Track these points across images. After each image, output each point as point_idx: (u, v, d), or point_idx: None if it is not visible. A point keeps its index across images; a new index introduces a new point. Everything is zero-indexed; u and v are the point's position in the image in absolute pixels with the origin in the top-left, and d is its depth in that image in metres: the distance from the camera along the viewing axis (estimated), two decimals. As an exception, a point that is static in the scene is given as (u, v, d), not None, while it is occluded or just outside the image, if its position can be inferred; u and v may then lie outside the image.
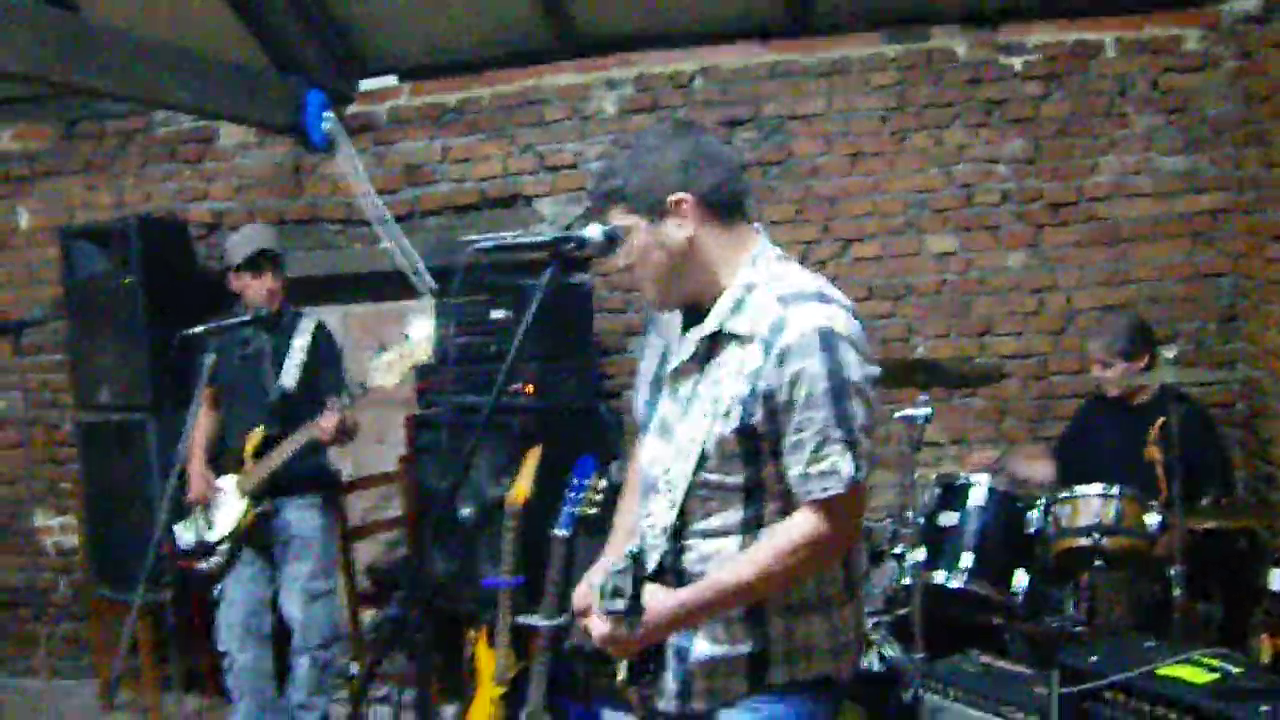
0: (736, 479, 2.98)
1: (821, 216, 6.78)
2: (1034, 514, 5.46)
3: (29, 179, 8.02)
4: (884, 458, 6.55)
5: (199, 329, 5.43)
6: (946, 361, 6.20)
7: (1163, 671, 4.03)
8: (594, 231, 2.99)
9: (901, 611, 5.44)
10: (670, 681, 3.13)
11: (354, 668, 6.93)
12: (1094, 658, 4.22)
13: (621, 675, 3.18)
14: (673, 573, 3.04)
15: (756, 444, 2.93)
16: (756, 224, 3.13)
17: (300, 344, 5.91)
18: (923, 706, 4.79)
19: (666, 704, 3.15)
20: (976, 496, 5.47)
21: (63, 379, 7.83)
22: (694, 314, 3.08)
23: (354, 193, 7.19)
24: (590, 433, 6.44)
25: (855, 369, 2.85)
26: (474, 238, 6.29)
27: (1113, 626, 5.24)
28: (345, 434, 5.70)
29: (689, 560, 3.04)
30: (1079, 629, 5.20)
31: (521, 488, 5.36)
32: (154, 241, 6.95)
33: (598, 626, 2.96)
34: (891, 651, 5.22)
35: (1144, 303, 6.37)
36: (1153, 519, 5.20)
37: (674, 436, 3.07)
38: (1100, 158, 6.48)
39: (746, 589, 2.92)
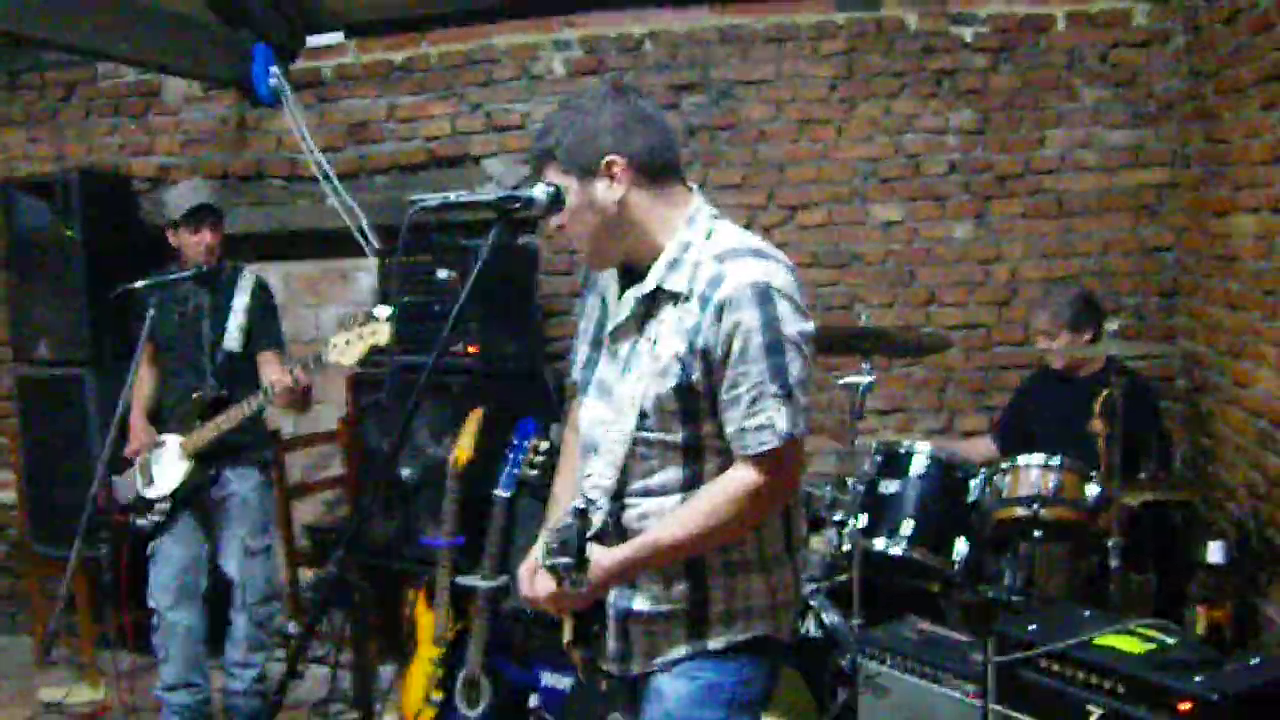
0: (676, 437, 2.98)
1: (768, 183, 6.77)
2: (975, 483, 5.48)
3: (-31, 130, 7.93)
4: (825, 425, 6.57)
5: (139, 284, 5.39)
6: (890, 330, 6.21)
7: (1099, 641, 4.05)
8: (540, 191, 2.98)
9: (841, 578, 5.47)
10: (611, 642, 3.14)
11: (291, 626, 6.91)
12: (1031, 626, 4.24)
13: (566, 636, 3.18)
14: (615, 532, 3.04)
15: (695, 401, 2.93)
16: (693, 185, 3.12)
17: (240, 303, 5.85)
18: (860, 672, 4.81)
19: (609, 665, 3.17)
20: (918, 465, 5.48)
21: (1, 332, 7.75)
22: (631, 274, 3.08)
23: (299, 149, 7.14)
24: (532, 395, 6.43)
25: (791, 324, 2.86)
26: (420, 197, 6.26)
27: (1050, 596, 5.28)
28: (304, 399, 5.67)
29: (630, 519, 3.04)
30: (1017, 598, 5.23)
31: (463, 449, 5.36)
32: (96, 195, 6.88)
33: (542, 583, 2.96)
34: (830, 617, 5.23)
35: (1088, 276, 6.39)
36: (1092, 490, 5.23)
37: (613, 396, 3.07)
38: (1048, 130, 6.49)
39: (686, 542, 2.93)
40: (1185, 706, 3.65)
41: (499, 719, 5.21)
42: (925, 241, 6.66)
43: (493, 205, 3.01)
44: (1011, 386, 6.36)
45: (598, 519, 3.02)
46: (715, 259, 2.90)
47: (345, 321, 5.31)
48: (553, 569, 2.84)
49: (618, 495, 3.04)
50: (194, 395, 5.70)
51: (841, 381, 5.30)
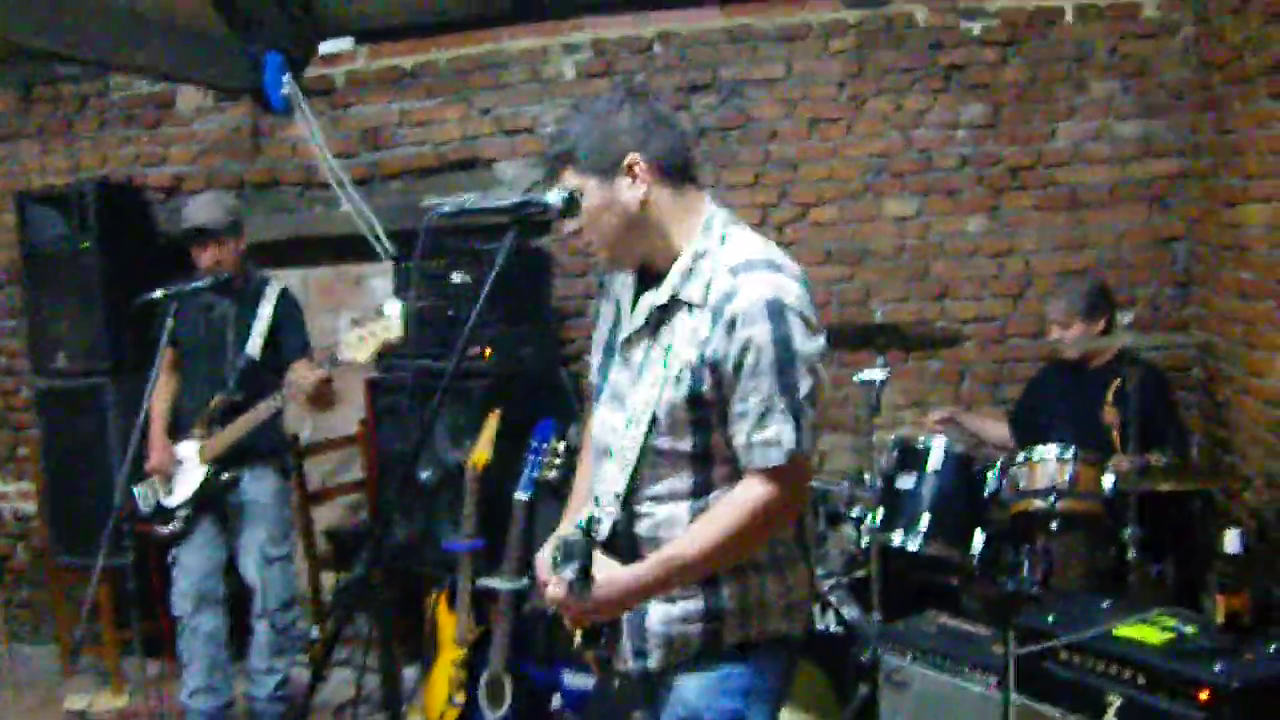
0: (686, 445, 3.00)
1: (780, 181, 6.78)
2: (991, 476, 5.49)
3: (-16, 142, 7.96)
4: (841, 420, 6.60)
5: (158, 293, 5.40)
6: (905, 325, 6.23)
7: (1118, 631, 4.06)
8: (555, 196, 2.99)
9: (859, 573, 5.48)
10: (626, 642, 3.16)
11: (315, 631, 6.94)
12: (1050, 618, 4.25)
13: (577, 639, 3.20)
14: (625, 539, 3.06)
15: (705, 411, 2.96)
16: (707, 189, 3.14)
17: (265, 311, 5.87)
18: (880, 667, 4.82)
19: (625, 665, 3.19)
20: (934, 459, 5.49)
21: (19, 344, 7.79)
22: (647, 278, 3.10)
23: (313, 156, 7.16)
24: (549, 397, 6.45)
25: (802, 341, 2.88)
26: (434, 201, 6.27)
27: (1068, 587, 5.28)
28: (326, 397, 5.69)
29: (641, 527, 3.07)
30: (1035, 590, 5.24)
31: (481, 452, 5.38)
32: (111, 206, 6.91)
33: (552, 590, 2.98)
34: (849, 612, 5.25)
35: (1101, 267, 6.40)
36: (1108, 481, 5.24)
37: (626, 403, 3.09)
38: (1059, 123, 6.50)
39: (699, 561, 2.95)
40: (1205, 695, 3.65)
41: (522, 719, 5.24)
42: (938, 236, 6.67)
43: (509, 211, 3.03)
44: (1026, 378, 6.36)
45: (607, 526, 3.05)
46: (730, 271, 2.92)
47: (358, 319, 5.35)
48: (561, 580, 2.87)
49: (628, 501, 3.05)
50: (214, 401, 5.73)
51: (857, 377, 5.32)
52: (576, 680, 5.39)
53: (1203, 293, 6.28)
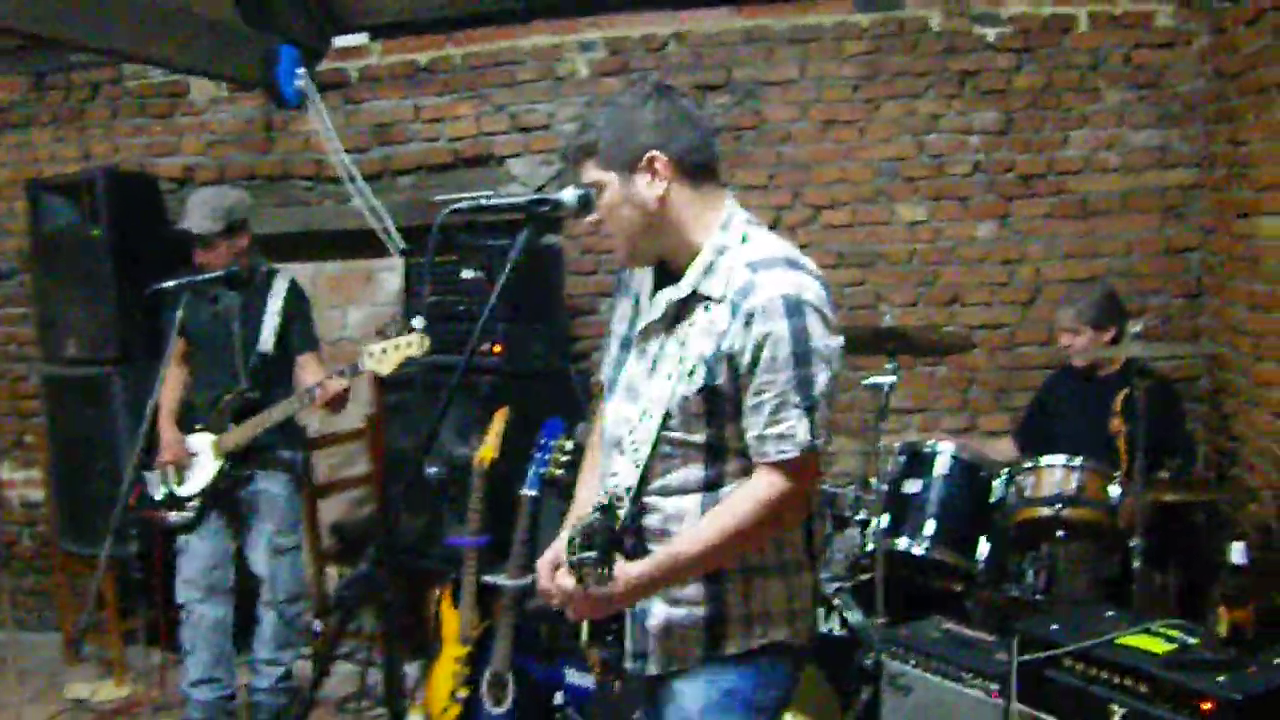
0: (699, 437, 3.00)
1: (792, 183, 6.78)
2: (998, 483, 5.49)
3: (-4, 130, 7.98)
4: (849, 425, 6.59)
5: (169, 283, 5.41)
6: (914, 330, 6.22)
7: (1121, 641, 4.06)
8: (569, 194, 3.00)
9: (864, 577, 5.47)
10: (628, 641, 3.16)
11: (318, 625, 6.95)
12: (1053, 626, 4.25)
13: (583, 636, 3.20)
14: (634, 531, 3.06)
15: (720, 404, 2.96)
16: (727, 188, 3.14)
17: (274, 305, 5.88)
18: (883, 671, 4.82)
19: (627, 663, 3.19)
20: (941, 464, 5.50)
21: (29, 332, 7.81)
22: (664, 273, 3.10)
23: (325, 150, 7.17)
24: (558, 395, 6.44)
25: (820, 337, 2.88)
26: (446, 197, 6.27)
27: (1072, 596, 5.28)
28: (341, 403, 5.72)
29: (650, 520, 3.07)
30: (1039, 598, 5.25)
31: (489, 448, 5.39)
32: (122, 195, 6.91)
33: (563, 582, 2.97)
34: (853, 616, 5.25)
35: (1112, 276, 6.40)
36: (1114, 491, 5.24)
37: (639, 396, 3.09)
38: (1072, 131, 6.50)
39: (707, 554, 2.95)
40: (1208, 706, 3.65)
41: (524, 717, 5.23)
42: (949, 241, 6.67)
43: (523, 208, 3.04)
44: (1034, 386, 6.36)
45: (618, 516, 3.03)
46: (749, 267, 2.91)
47: (384, 330, 5.35)
48: (578, 565, 2.83)
49: (638, 495, 3.05)
50: (228, 396, 5.73)
51: (866, 381, 5.32)
52: (579, 678, 5.39)
53: (1214, 304, 6.28)
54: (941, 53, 6.59)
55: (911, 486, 5.51)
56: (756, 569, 3.05)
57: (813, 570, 3.20)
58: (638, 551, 3.03)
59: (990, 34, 6.54)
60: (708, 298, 2.97)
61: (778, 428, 2.88)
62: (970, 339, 6.23)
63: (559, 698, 5.41)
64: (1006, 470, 5.53)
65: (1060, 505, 5.21)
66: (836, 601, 5.29)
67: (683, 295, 3.00)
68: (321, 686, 3.27)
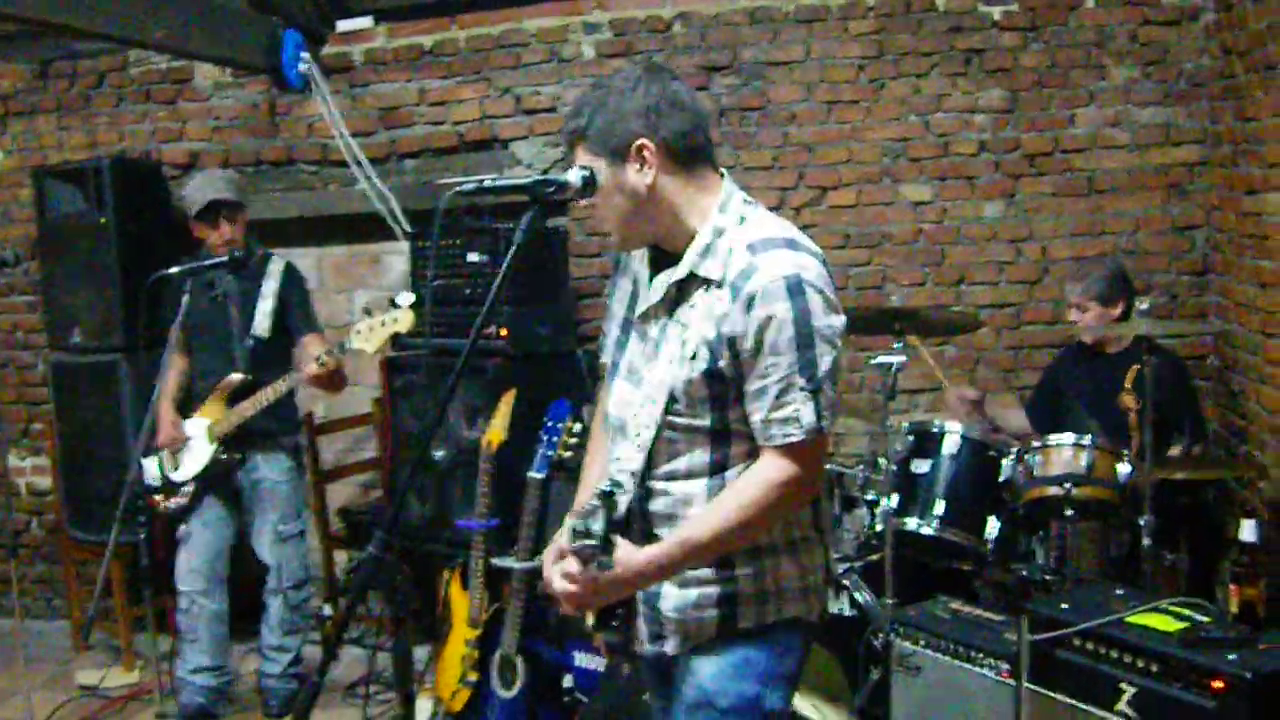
0: (704, 421, 2.99)
1: (798, 164, 6.77)
2: (1006, 462, 5.48)
3: (2, 119, 7.96)
4: (857, 405, 6.58)
5: (174, 270, 5.42)
6: (921, 310, 6.20)
7: (1131, 619, 4.05)
8: (574, 175, 2.98)
9: (873, 557, 5.47)
10: (642, 625, 3.16)
11: (327, 609, 6.95)
12: (1063, 605, 4.24)
13: (589, 621, 3.19)
14: (640, 517, 3.06)
15: (723, 387, 2.94)
16: (723, 169, 3.12)
17: (270, 289, 5.88)
18: (893, 651, 4.82)
19: (642, 648, 3.19)
20: (950, 444, 5.48)
21: (35, 319, 7.82)
22: (661, 257, 3.09)
23: (330, 135, 7.16)
24: (564, 376, 6.44)
25: (822, 317, 2.86)
26: (451, 180, 6.27)
27: (1082, 575, 5.27)
28: (339, 381, 5.71)
29: (656, 504, 3.06)
30: (1049, 577, 5.24)
31: (496, 431, 5.38)
32: (128, 182, 6.92)
33: (565, 568, 2.96)
34: (862, 597, 5.25)
35: (1119, 254, 6.38)
36: (1124, 469, 5.23)
37: (642, 380, 3.09)
38: (1078, 109, 6.48)
39: (714, 542, 2.95)
40: (1219, 685, 3.65)
41: (534, 700, 5.24)
42: (955, 221, 6.66)
43: (527, 190, 3.02)
44: (1042, 365, 6.36)
45: (622, 504, 3.04)
46: (748, 248, 2.90)
47: (370, 308, 5.35)
48: (578, 553, 2.84)
49: (644, 479, 3.05)
50: (221, 380, 5.74)
51: (873, 361, 5.30)
52: (589, 661, 5.40)
53: (1221, 281, 6.26)
54: (947, 32, 6.57)
55: (920, 466, 5.50)
56: (766, 549, 3.05)
57: (823, 545, 3.20)
58: (646, 537, 3.03)
59: (996, 12, 6.52)
60: (707, 280, 2.95)
61: (782, 411, 2.87)
62: (977, 318, 6.21)
63: (568, 680, 5.42)
64: (1015, 449, 5.52)
65: (1069, 484, 5.19)
66: (845, 582, 5.29)
67: (680, 277, 2.99)
68: (330, 671, 3.25)
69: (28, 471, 8.09)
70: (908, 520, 5.37)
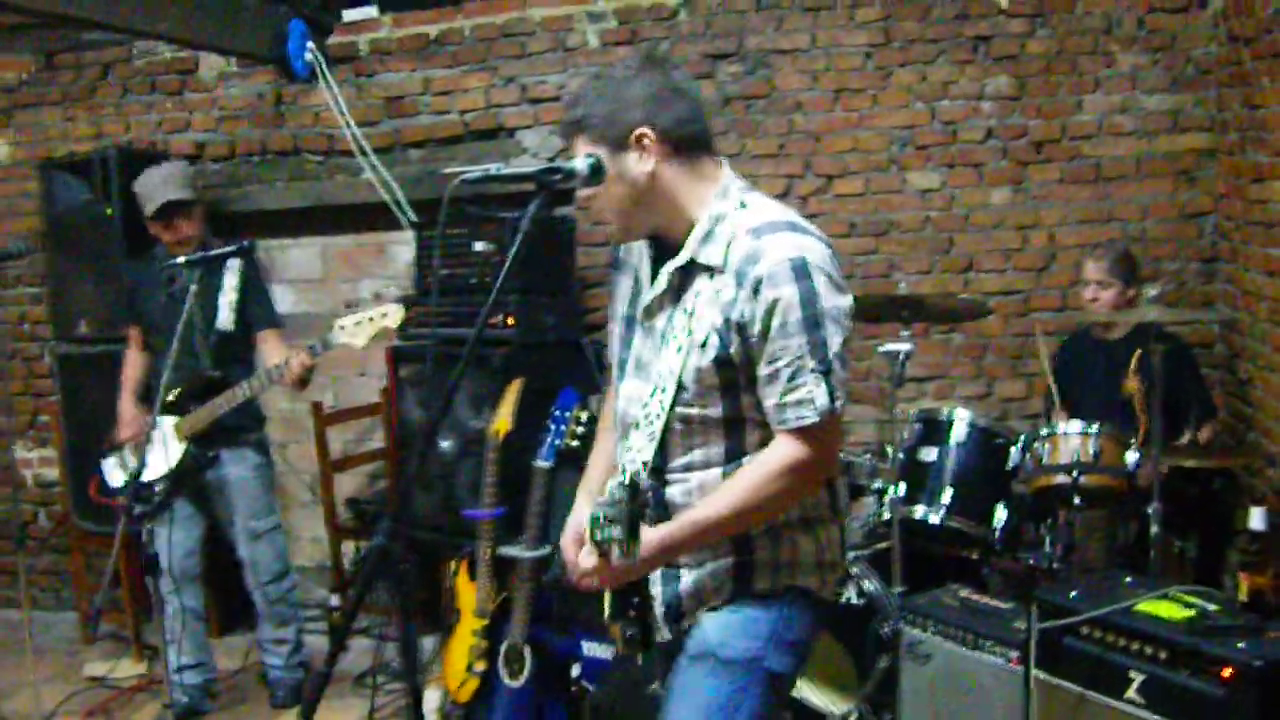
0: (716, 411, 2.99)
1: (804, 152, 6.75)
2: (1014, 450, 5.48)
3: (7, 110, 7.97)
4: (865, 393, 6.58)
5: (180, 260, 5.41)
6: (928, 298, 6.19)
7: (1140, 607, 4.04)
8: (580, 164, 2.98)
9: (881, 546, 5.46)
10: (659, 607, 3.16)
11: (334, 599, 6.96)
12: (1072, 593, 4.23)
13: (606, 612, 3.19)
14: (656, 508, 3.03)
15: (733, 374, 2.95)
16: (722, 159, 3.12)
17: (230, 282, 5.84)
18: (901, 640, 4.81)
19: (662, 635, 3.19)
20: (957, 432, 5.49)
21: (41, 310, 7.82)
22: (661, 249, 3.10)
23: (335, 124, 7.15)
24: (571, 365, 6.44)
25: (829, 298, 2.86)
26: (457, 169, 6.26)
27: (1090, 563, 5.27)
28: (306, 381, 5.70)
29: (674, 494, 3.06)
30: (1056, 565, 5.24)
31: (503, 420, 5.37)
32: (134, 172, 6.81)
33: (585, 559, 2.97)
34: (870, 585, 5.24)
35: (1126, 242, 6.36)
36: (1131, 457, 5.23)
37: (650, 372, 3.08)
38: (1085, 96, 6.46)
39: (728, 520, 2.95)
40: (1228, 673, 3.64)
41: (541, 689, 5.24)
42: (962, 209, 6.64)
43: (534, 178, 3.02)
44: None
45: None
46: (751, 233, 2.90)
47: (352, 304, 5.36)
48: (601, 543, 2.83)
49: (658, 471, 3.05)
50: (187, 376, 5.69)
51: (881, 350, 5.29)
52: (596, 650, 5.39)
53: (1228, 269, 6.25)
54: (954, 19, 6.55)
55: (928, 454, 5.50)
56: (783, 525, 3.06)
57: (839, 524, 3.21)
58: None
59: (1003, -1, 6.51)
60: (709, 267, 2.95)
61: (795, 394, 2.87)
62: (985, 306, 6.20)
63: (576, 669, 5.42)
64: (1023, 437, 5.52)
65: (1077, 472, 5.20)
66: (854, 570, 5.28)
67: (682, 264, 3.00)
68: (338, 661, 3.25)
69: (35, 463, 8.10)
70: (915, 508, 5.38)
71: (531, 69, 7.09)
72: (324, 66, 7.00)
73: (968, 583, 5.13)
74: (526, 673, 5.19)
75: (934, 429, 5.57)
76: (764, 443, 2.99)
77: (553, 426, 5.16)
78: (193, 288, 5.20)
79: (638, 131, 2.94)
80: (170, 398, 5.71)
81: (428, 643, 6.20)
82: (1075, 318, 6.08)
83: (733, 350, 2.91)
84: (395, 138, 7.31)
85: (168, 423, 5.76)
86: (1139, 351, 5.24)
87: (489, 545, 5.33)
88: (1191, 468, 5.36)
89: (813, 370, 2.85)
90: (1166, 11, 6.33)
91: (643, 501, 2.87)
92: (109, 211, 6.79)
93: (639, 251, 3.22)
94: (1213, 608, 4.02)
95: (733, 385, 2.96)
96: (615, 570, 2.93)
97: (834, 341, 2.87)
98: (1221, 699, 3.64)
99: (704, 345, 2.93)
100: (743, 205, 3.00)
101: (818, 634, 3.26)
